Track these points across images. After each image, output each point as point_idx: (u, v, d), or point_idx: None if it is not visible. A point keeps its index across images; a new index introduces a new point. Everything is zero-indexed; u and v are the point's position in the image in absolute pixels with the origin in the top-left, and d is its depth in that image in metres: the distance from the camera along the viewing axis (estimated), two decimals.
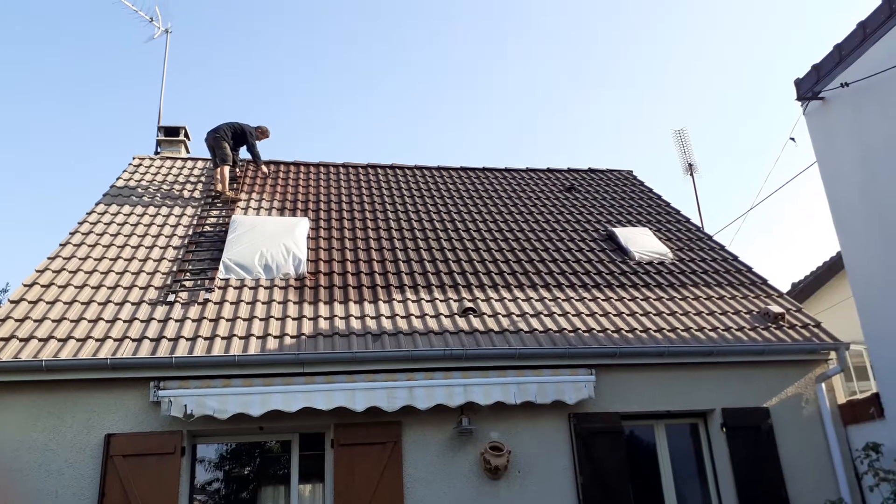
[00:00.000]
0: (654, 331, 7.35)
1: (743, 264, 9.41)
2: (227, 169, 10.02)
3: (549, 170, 12.96)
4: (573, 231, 10.11)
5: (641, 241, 9.63)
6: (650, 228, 10.33)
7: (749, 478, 6.83)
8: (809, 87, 7.97)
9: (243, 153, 10.93)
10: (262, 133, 10.94)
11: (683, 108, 31.43)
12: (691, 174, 14.71)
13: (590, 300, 7.97)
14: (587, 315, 7.58)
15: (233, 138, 10.45)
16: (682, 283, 8.67)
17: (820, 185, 7.95)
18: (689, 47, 32.03)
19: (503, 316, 7.37)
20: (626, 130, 33.31)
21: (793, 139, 8.60)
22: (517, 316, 7.41)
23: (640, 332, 7.30)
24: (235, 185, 10.29)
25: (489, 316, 7.35)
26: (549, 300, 7.87)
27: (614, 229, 10.05)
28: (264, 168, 10.86)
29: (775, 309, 7.89)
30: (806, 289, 10.55)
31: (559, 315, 7.51)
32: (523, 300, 7.81)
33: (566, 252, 9.31)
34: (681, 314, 7.81)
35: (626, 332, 7.27)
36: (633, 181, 12.76)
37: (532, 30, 31.63)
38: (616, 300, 8.03)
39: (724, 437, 6.97)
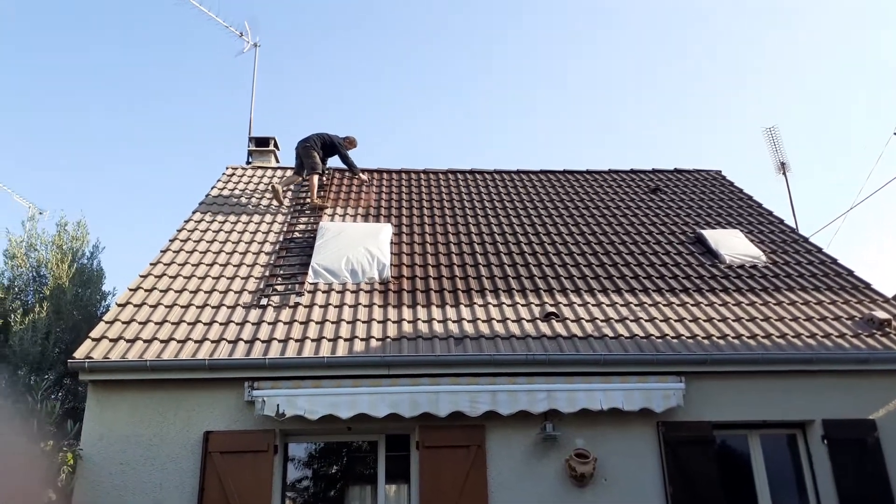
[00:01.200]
0: (748, 337, 7.05)
1: (843, 267, 8.90)
2: (315, 178, 10.35)
3: (632, 171, 12.67)
4: (659, 234, 9.84)
5: (732, 244, 9.28)
6: (741, 230, 9.93)
7: (853, 493, 6.43)
8: None
9: (331, 162, 11.24)
10: (350, 143, 11.22)
11: (774, 105, 30.06)
12: (784, 173, 14.05)
13: (678, 305, 7.73)
14: (676, 321, 7.35)
15: (322, 148, 10.78)
16: (777, 287, 8.27)
17: None
18: (781, 41, 30.61)
19: (587, 321, 7.25)
20: (714, 130, 32.17)
21: None
22: (602, 321, 7.27)
23: (733, 338, 7.02)
24: (322, 193, 10.59)
25: (572, 321, 7.25)
26: (636, 305, 7.68)
27: (703, 231, 9.73)
28: (362, 175, 11.15)
29: (881, 315, 7.41)
30: None
31: (646, 320, 7.32)
32: (608, 305, 7.66)
33: (652, 255, 9.07)
34: (776, 320, 7.47)
35: (718, 338, 7.01)
36: (721, 181, 12.30)
37: (616, 28, 31.07)
38: (706, 305, 7.75)
39: (826, 450, 6.59)
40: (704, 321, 7.38)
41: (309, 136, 10.79)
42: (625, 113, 33.03)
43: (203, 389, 6.32)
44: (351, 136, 11.21)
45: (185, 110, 30.55)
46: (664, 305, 7.71)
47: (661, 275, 8.50)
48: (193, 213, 9.63)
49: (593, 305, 7.64)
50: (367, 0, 30.35)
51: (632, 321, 7.30)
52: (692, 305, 7.74)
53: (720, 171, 12.77)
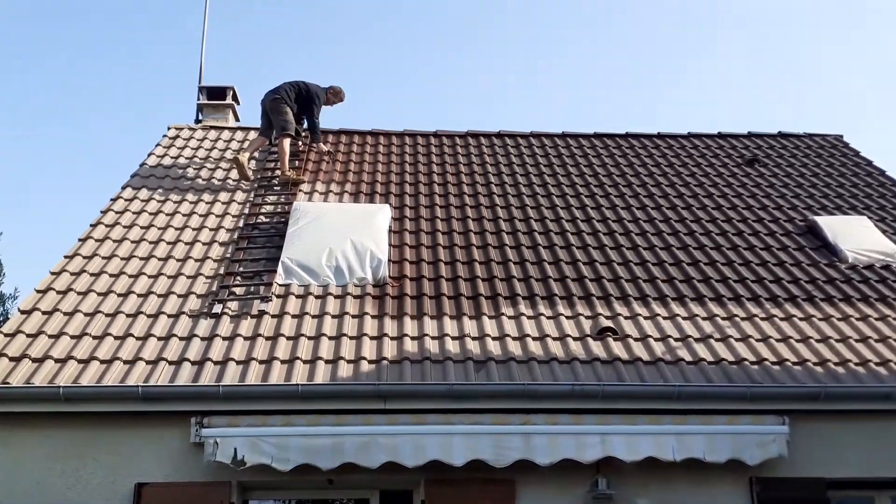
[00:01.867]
0: (877, 363, 7.02)
1: None
2: (287, 141, 10.28)
3: (720, 135, 12.63)
4: (757, 221, 9.83)
5: (857, 236, 9.30)
6: (870, 217, 9.90)
7: None
8: None
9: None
10: (335, 94, 11.11)
11: None
12: None
13: (781, 319, 7.71)
14: (778, 340, 7.34)
15: (296, 101, 10.69)
16: None
17: None
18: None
19: (655, 340, 7.25)
20: (830, 81, 31.94)
21: None
22: (675, 340, 7.27)
23: (855, 364, 7.00)
24: (297, 163, 10.59)
25: (635, 339, 7.25)
26: (723, 318, 7.67)
27: (817, 219, 9.72)
28: (322, 146, 11.00)
29: None
30: None
31: (737, 340, 7.31)
32: (684, 318, 7.65)
33: (747, 251, 9.06)
34: None
35: (835, 364, 6.99)
36: (843, 150, 12.26)
37: None
38: (820, 319, 7.74)
39: None
40: (817, 341, 7.35)
41: (279, 87, 10.70)
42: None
43: (135, 427, 6.36)
44: (337, 86, 11.12)
45: (120, 57, 30.77)
46: (762, 319, 7.69)
47: (758, 277, 8.47)
48: (124, 188, 9.71)
49: (664, 318, 7.63)
50: None
51: (717, 340, 7.29)
52: (801, 320, 7.72)
53: (841, 137, 12.69)
